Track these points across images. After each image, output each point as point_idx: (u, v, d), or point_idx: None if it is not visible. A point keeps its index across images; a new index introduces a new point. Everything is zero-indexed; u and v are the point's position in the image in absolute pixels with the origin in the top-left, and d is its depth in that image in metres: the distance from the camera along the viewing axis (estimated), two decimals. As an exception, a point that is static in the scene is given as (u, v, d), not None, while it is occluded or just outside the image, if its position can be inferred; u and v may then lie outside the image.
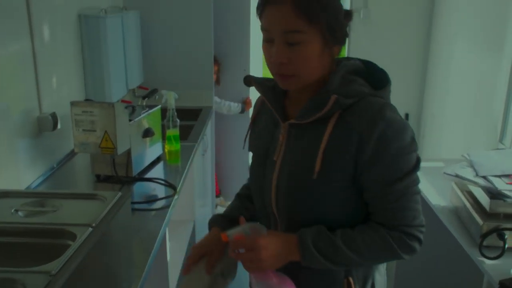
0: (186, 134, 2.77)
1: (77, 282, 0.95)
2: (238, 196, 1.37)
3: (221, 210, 4.05)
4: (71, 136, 1.94)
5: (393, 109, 1.07)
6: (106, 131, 1.85)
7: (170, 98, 2.38)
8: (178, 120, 2.36)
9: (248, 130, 1.28)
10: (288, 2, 1.01)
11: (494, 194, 1.61)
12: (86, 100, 2.06)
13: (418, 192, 1.10)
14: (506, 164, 1.75)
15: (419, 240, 1.09)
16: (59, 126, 2.08)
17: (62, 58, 2.30)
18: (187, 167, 2.27)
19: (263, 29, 1.07)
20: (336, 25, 1.05)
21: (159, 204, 1.89)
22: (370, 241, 1.07)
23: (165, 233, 1.84)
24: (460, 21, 2.92)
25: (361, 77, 1.12)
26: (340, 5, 1.08)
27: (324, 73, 1.10)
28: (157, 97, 2.75)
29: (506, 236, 1.52)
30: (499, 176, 1.69)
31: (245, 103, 3.91)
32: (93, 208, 1.13)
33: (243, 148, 1.32)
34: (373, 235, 1.07)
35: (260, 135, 1.22)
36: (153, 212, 1.83)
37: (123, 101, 2.74)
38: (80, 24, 2.46)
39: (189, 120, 3.06)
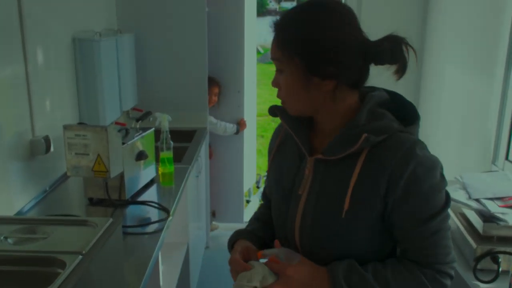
0: (180, 156, 2.76)
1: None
2: (258, 219, 1.35)
3: (214, 234, 4.03)
4: (64, 159, 1.93)
5: (423, 146, 1.06)
6: (99, 155, 1.85)
7: (164, 121, 2.38)
8: (172, 142, 2.36)
9: (270, 160, 1.26)
10: (275, 33, 1.08)
11: (487, 217, 1.61)
12: (79, 123, 2.06)
13: (449, 228, 1.09)
14: (498, 187, 1.75)
15: (451, 277, 1.09)
16: (52, 149, 2.08)
17: (55, 81, 2.31)
18: (180, 189, 2.26)
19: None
20: (322, 61, 1.03)
21: (152, 227, 1.87)
22: (403, 279, 1.06)
23: (158, 257, 1.83)
24: (452, 44, 2.96)
25: (389, 110, 1.11)
26: (344, 38, 1.04)
27: (323, 106, 1.10)
28: (151, 119, 2.75)
29: (500, 259, 1.51)
30: (492, 199, 1.69)
31: (240, 124, 3.92)
32: (83, 235, 1.12)
33: (268, 181, 1.29)
34: (406, 274, 1.06)
35: (285, 167, 1.20)
36: (146, 236, 1.82)
37: (117, 123, 2.74)
38: (74, 48, 2.48)
39: (183, 142, 3.06)
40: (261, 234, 1.27)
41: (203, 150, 3.34)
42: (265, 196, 1.39)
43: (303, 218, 1.12)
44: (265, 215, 1.33)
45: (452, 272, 1.09)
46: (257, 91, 5.00)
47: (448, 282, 1.08)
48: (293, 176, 1.16)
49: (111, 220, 1.19)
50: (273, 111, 1.20)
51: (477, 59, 2.61)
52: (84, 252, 1.05)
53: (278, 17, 1.10)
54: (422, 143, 1.06)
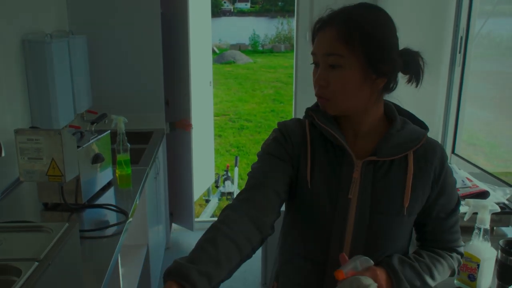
0: (137, 157, 2.74)
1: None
2: (227, 236, 1.00)
3: (175, 235, 4.00)
4: (16, 164, 1.89)
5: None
6: (53, 159, 1.82)
7: (120, 123, 2.35)
8: (129, 145, 2.33)
9: (308, 166, 1.16)
10: (334, 27, 1.06)
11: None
12: (32, 127, 2.01)
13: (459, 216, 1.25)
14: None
15: (463, 256, 1.27)
16: (3, 153, 2.02)
17: (4, 84, 2.24)
18: (138, 191, 2.25)
19: (312, 53, 1.12)
20: (380, 57, 1.06)
21: (110, 231, 1.85)
22: (440, 265, 1.18)
23: (117, 260, 1.81)
24: (400, 44, 3.06)
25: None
26: (392, 39, 1.09)
27: (368, 106, 1.12)
28: (106, 121, 2.71)
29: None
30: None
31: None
32: (39, 240, 1.11)
33: (309, 186, 1.15)
34: (441, 260, 1.19)
35: (324, 171, 1.16)
36: (104, 240, 1.80)
37: (71, 126, 2.68)
38: (24, 49, 2.41)
39: (140, 143, 3.03)
40: (213, 272, 0.93)
41: (161, 151, 3.32)
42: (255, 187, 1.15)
43: (357, 222, 1.13)
44: (240, 221, 1.06)
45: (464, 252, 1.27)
46: (214, 91, 5.00)
47: (462, 260, 1.26)
48: (336, 179, 1.14)
49: (67, 224, 1.18)
50: (308, 113, 1.20)
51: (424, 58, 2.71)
52: (40, 258, 1.04)
53: (330, 11, 1.11)
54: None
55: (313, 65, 1.13)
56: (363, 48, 1.04)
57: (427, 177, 1.14)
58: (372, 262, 1.07)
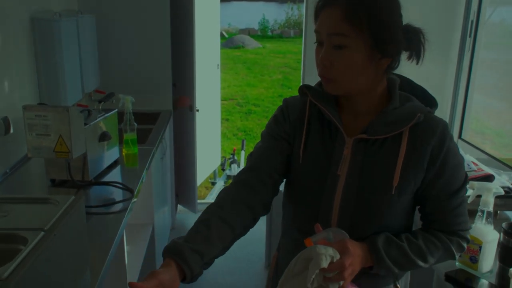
0: (144, 137, 2.76)
1: (28, 287, 0.95)
2: (219, 217, 1.10)
3: (180, 216, 4.04)
4: (24, 141, 1.91)
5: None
6: (60, 135, 1.83)
7: (127, 102, 2.36)
8: (136, 124, 2.35)
9: (302, 142, 1.18)
10: (339, 6, 1.03)
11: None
12: (40, 104, 2.03)
13: (466, 200, 1.20)
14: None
15: (468, 241, 1.21)
16: (11, 130, 2.04)
17: (14, 62, 2.26)
18: (145, 170, 2.27)
19: (315, 31, 1.09)
20: (386, 38, 1.04)
21: (116, 207, 1.88)
22: (434, 247, 1.15)
23: (122, 236, 1.84)
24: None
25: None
26: (398, 19, 1.07)
27: (371, 86, 1.11)
28: (114, 101, 2.73)
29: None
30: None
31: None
32: (45, 212, 1.13)
33: (300, 162, 1.18)
34: (436, 242, 1.15)
35: (316, 148, 1.17)
36: (110, 216, 1.82)
37: (79, 105, 2.71)
38: (33, 28, 2.42)
39: (147, 124, 3.05)
40: (205, 250, 1.03)
41: (168, 132, 3.34)
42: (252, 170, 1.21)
43: (344, 198, 1.12)
44: (231, 200, 1.15)
45: (469, 237, 1.21)
46: (221, 76, 5.00)
47: (466, 245, 1.21)
48: (329, 156, 1.14)
49: (73, 197, 1.20)
50: (302, 90, 1.20)
51: (433, 43, 2.69)
52: (45, 228, 1.06)
53: None
54: (447, 123, 1.15)
55: (315, 44, 1.11)
56: (370, 29, 1.02)
57: (422, 157, 1.10)
58: (347, 235, 1.08)
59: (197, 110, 3.71)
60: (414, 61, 1.11)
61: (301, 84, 3.67)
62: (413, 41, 1.08)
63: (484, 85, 2.45)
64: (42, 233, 1.05)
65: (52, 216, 1.11)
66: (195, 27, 3.49)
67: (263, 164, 1.19)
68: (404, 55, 1.11)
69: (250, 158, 1.24)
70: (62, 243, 1.12)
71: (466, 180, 1.17)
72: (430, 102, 1.17)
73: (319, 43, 1.09)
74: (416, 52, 1.10)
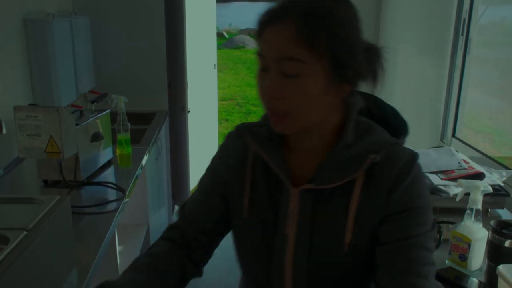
0: (139, 138, 2.76)
1: (11, 286, 0.95)
2: (148, 265, 1.00)
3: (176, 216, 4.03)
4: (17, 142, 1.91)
5: (418, 158, 0.92)
6: (51, 136, 1.83)
7: (120, 102, 2.37)
8: (129, 124, 2.35)
9: (246, 195, 0.99)
10: (292, 24, 0.83)
11: (431, 190, 1.69)
12: (30, 104, 2.03)
13: (433, 263, 0.90)
14: (442, 161, 1.83)
15: None
16: (4, 131, 2.04)
17: (6, 62, 2.26)
18: (138, 170, 2.27)
19: (258, 53, 0.89)
20: (347, 61, 0.87)
21: (108, 207, 1.88)
22: None
23: (113, 236, 1.84)
24: (404, 29, 3.04)
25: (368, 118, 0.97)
26: (359, 38, 0.90)
27: (325, 117, 0.92)
28: (108, 101, 2.73)
29: (442, 229, 1.59)
30: (436, 173, 1.77)
31: None
32: (29, 211, 1.13)
33: (245, 217, 1.00)
34: None
35: (262, 201, 0.98)
36: (102, 216, 1.82)
37: (73, 105, 2.70)
38: (26, 29, 2.43)
39: (142, 124, 3.05)
40: None
41: (163, 133, 3.34)
42: (185, 225, 1.07)
43: (295, 262, 0.95)
44: (163, 258, 1.02)
45: None
46: (221, 76, 5.00)
47: None
48: (275, 212, 0.96)
49: (58, 197, 1.20)
50: (241, 132, 0.99)
51: (427, 43, 2.69)
52: (28, 228, 1.06)
53: (286, 4, 0.87)
54: (418, 155, 0.92)
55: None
56: (330, 52, 0.84)
57: (377, 202, 0.90)
58: None
59: (188, 111, 3.71)
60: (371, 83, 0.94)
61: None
62: (372, 63, 0.92)
63: (484, 84, 2.44)
64: (25, 232, 1.04)
65: (36, 216, 1.11)
66: (185, 27, 3.49)
67: (194, 222, 1.05)
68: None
69: (182, 210, 1.08)
70: (46, 242, 1.11)
71: (434, 227, 0.92)
72: (399, 128, 0.97)
73: (263, 68, 0.89)
74: (374, 74, 0.93)
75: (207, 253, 1.07)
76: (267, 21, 0.86)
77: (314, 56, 0.83)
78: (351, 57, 0.87)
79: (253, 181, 0.99)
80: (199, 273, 1.06)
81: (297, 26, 0.83)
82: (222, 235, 1.08)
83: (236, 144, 1.02)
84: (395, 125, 0.98)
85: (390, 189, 0.89)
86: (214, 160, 1.07)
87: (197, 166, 4.01)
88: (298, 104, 0.86)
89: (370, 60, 0.91)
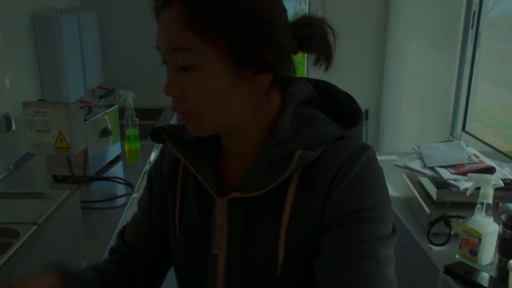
0: (147, 133, 2.75)
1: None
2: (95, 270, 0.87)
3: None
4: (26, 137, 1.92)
5: (371, 152, 0.75)
6: (60, 131, 1.84)
7: (128, 98, 2.38)
8: (137, 120, 2.36)
9: (177, 209, 0.85)
10: (177, 7, 0.69)
11: (440, 184, 1.68)
12: (39, 100, 2.04)
13: (387, 279, 0.70)
14: (452, 155, 1.82)
15: None
16: (13, 127, 2.06)
17: (15, 59, 2.27)
18: (146, 165, 2.27)
19: (156, 47, 0.75)
20: (256, 45, 0.70)
21: (117, 202, 1.89)
22: None
23: (122, 232, 1.84)
24: (413, 22, 3.01)
25: (318, 108, 0.80)
26: (275, 13, 0.73)
27: (257, 114, 0.76)
28: (116, 97, 2.73)
29: (452, 223, 1.58)
30: (446, 167, 1.75)
31: None
32: (39, 206, 1.13)
33: (177, 233, 0.86)
34: None
35: (191, 216, 0.83)
36: (111, 211, 1.83)
37: (81, 101, 2.71)
38: (34, 25, 2.44)
39: (150, 120, 3.06)
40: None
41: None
42: (122, 244, 0.93)
43: (228, 284, 0.79)
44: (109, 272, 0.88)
45: None
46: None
47: None
48: (204, 225, 0.81)
49: (67, 192, 1.20)
50: (157, 134, 0.83)
51: (437, 36, 2.66)
52: (39, 222, 1.06)
53: None
54: (369, 148, 0.75)
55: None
56: (225, 34, 0.68)
57: (313, 211, 0.72)
58: None
59: None
60: (323, 66, 0.77)
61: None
62: (314, 39, 0.74)
63: (494, 77, 2.42)
64: (35, 227, 1.05)
65: (46, 211, 1.11)
66: None
67: (135, 245, 0.91)
68: (306, 59, 0.80)
69: (121, 234, 0.94)
70: (55, 237, 1.12)
71: (389, 238, 0.72)
72: (353, 117, 0.81)
73: (165, 63, 0.75)
74: (323, 53, 0.76)
75: (157, 279, 0.93)
76: (158, 7, 0.74)
77: (206, 42, 0.68)
78: (259, 37, 0.70)
79: (183, 192, 0.84)
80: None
81: (183, 7, 0.68)
82: (169, 259, 0.91)
83: (171, 151, 0.85)
84: (350, 114, 0.81)
85: (328, 191, 0.71)
86: (150, 171, 0.92)
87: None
88: (201, 103, 0.72)
89: (307, 36, 0.74)
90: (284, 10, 0.75)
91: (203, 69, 0.70)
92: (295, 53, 0.76)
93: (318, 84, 0.84)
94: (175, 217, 0.85)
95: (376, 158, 0.76)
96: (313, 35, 0.75)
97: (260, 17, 0.70)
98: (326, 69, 0.77)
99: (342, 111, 0.82)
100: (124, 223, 1.21)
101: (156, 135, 0.83)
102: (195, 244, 0.82)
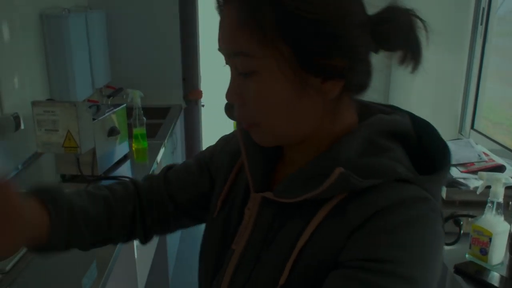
0: (154, 132, 2.77)
1: (31, 279, 0.96)
2: (105, 200, 0.83)
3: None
4: (35, 137, 1.93)
5: (432, 209, 0.62)
6: (68, 130, 1.85)
7: (136, 97, 2.38)
8: (145, 119, 2.36)
9: (224, 189, 0.81)
10: (234, 8, 0.63)
11: (450, 183, 1.67)
12: (48, 100, 2.05)
13: None
14: (461, 154, 1.80)
15: None
16: (22, 126, 2.06)
17: (23, 58, 2.28)
18: (154, 164, 2.28)
19: (218, 48, 0.69)
20: (324, 48, 0.61)
21: (125, 202, 1.89)
22: None
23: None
24: (421, 16, 3.00)
25: (403, 145, 0.69)
26: (348, 8, 0.62)
27: (324, 125, 0.67)
28: (124, 96, 2.74)
29: (461, 222, 1.57)
30: (455, 165, 1.74)
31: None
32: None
33: (214, 216, 0.81)
34: None
35: (232, 204, 0.79)
36: (119, 210, 1.83)
37: (89, 100, 2.73)
38: (42, 24, 2.44)
39: (157, 119, 3.06)
40: (79, 202, 0.78)
41: (178, 127, 3.35)
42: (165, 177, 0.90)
43: (231, 285, 0.73)
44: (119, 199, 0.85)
45: None
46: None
47: None
48: (238, 217, 0.76)
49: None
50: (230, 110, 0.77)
51: (445, 34, 2.65)
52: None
53: None
54: (432, 204, 0.62)
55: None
56: (287, 37, 0.60)
57: (335, 241, 0.62)
58: None
59: (203, 105, 3.72)
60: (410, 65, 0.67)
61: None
62: (399, 34, 0.65)
63: (503, 75, 2.40)
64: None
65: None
66: (198, 20, 3.48)
67: (172, 183, 0.88)
68: (388, 57, 0.68)
69: (166, 169, 0.92)
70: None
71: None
72: (439, 162, 0.68)
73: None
74: (411, 50, 0.66)
75: (160, 226, 0.88)
76: (218, 7, 0.67)
77: (265, 46, 0.61)
78: (323, 39, 0.60)
79: (237, 177, 0.80)
80: (143, 241, 0.89)
81: (240, 8, 0.62)
82: (188, 218, 0.89)
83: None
84: (436, 164, 0.68)
85: (358, 227, 0.61)
86: (221, 139, 0.90)
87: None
88: (261, 111, 0.65)
89: (388, 32, 0.64)
90: (360, 3, 0.65)
91: (263, 76, 0.63)
92: (375, 52, 0.67)
93: (419, 124, 0.72)
94: (219, 197, 0.80)
95: (437, 220, 0.62)
96: (398, 31, 0.65)
97: (327, 15, 0.60)
98: (414, 68, 0.67)
99: (431, 160, 0.69)
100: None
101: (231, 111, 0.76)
102: (224, 233, 0.78)
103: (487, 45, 2.27)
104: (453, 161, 1.76)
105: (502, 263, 1.43)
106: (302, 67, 0.61)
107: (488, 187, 1.43)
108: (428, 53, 0.71)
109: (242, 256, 0.72)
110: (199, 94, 3.77)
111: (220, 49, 0.67)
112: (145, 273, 2.29)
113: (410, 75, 0.68)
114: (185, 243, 3.50)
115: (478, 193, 1.48)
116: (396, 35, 0.65)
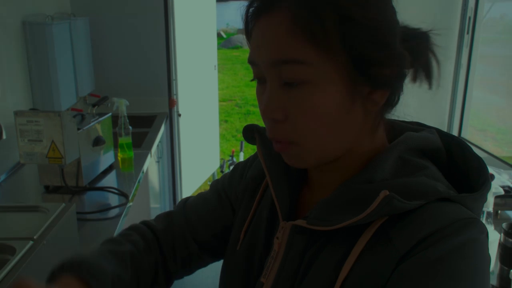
0: (140, 141, 2.73)
1: None
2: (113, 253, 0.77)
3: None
4: (17, 147, 1.88)
5: (481, 231, 0.57)
6: (53, 141, 1.80)
7: (121, 105, 2.34)
8: (131, 128, 2.33)
9: (247, 220, 0.76)
10: (286, 12, 0.57)
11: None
12: (31, 109, 2.00)
13: None
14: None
15: None
16: (4, 136, 2.01)
17: (5, 66, 2.23)
18: (140, 174, 2.24)
19: (249, 61, 0.63)
20: (378, 57, 0.58)
21: (111, 213, 1.85)
22: None
23: (117, 243, 1.81)
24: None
25: (434, 163, 0.65)
26: (393, 19, 0.61)
27: (361, 142, 0.64)
28: (109, 104, 2.70)
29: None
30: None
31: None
32: (34, 220, 1.10)
33: (238, 247, 0.76)
34: None
35: (257, 234, 0.74)
36: (105, 222, 1.80)
37: (73, 109, 2.67)
38: (25, 31, 2.40)
39: (143, 127, 3.03)
40: (113, 269, 0.73)
41: (164, 135, 3.31)
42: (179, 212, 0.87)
43: None
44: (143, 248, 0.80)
45: None
46: (220, 76, 4.97)
47: None
48: (265, 248, 0.72)
49: (63, 205, 1.17)
50: (251, 133, 0.74)
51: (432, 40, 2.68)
52: (35, 237, 1.03)
53: None
54: (480, 225, 0.58)
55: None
56: (346, 44, 0.57)
57: (379, 272, 0.57)
58: None
59: (179, 115, 3.65)
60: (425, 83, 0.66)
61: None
62: (417, 53, 0.63)
63: (486, 82, 2.43)
64: (31, 242, 1.02)
65: (41, 225, 1.08)
66: (174, 27, 3.44)
67: (193, 222, 0.84)
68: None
69: (183, 203, 0.87)
70: (52, 252, 1.09)
71: None
72: (477, 186, 0.63)
73: (259, 80, 0.64)
74: (424, 69, 0.65)
75: (183, 268, 0.84)
76: (255, 14, 0.61)
77: (323, 53, 0.56)
78: (382, 47, 0.58)
79: (259, 205, 0.75)
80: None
81: (294, 12, 0.57)
82: (209, 255, 0.84)
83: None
84: (476, 183, 0.64)
85: (405, 256, 0.56)
86: (240, 164, 0.85)
87: (200, 168, 3.98)
88: (309, 128, 0.59)
89: (414, 50, 0.62)
90: (396, 15, 0.63)
91: (314, 86, 0.58)
92: (410, 67, 0.63)
93: (449, 141, 0.69)
94: (241, 229, 0.76)
95: (486, 244, 0.58)
96: (422, 49, 0.64)
97: (384, 22, 0.59)
98: (430, 85, 0.66)
99: (467, 178, 0.66)
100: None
101: (250, 134, 0.73)
102: (250, 265, 0.73)
103: (474, 53, 2.29)
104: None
105: (492, 273, 1.43)
106: (358, 76, 0.58)
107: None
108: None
109: None
110: (172, 103, 3.69)
111: (256, 59, 0.61)
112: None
113: None
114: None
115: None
116: (420, 54, 0.64)
